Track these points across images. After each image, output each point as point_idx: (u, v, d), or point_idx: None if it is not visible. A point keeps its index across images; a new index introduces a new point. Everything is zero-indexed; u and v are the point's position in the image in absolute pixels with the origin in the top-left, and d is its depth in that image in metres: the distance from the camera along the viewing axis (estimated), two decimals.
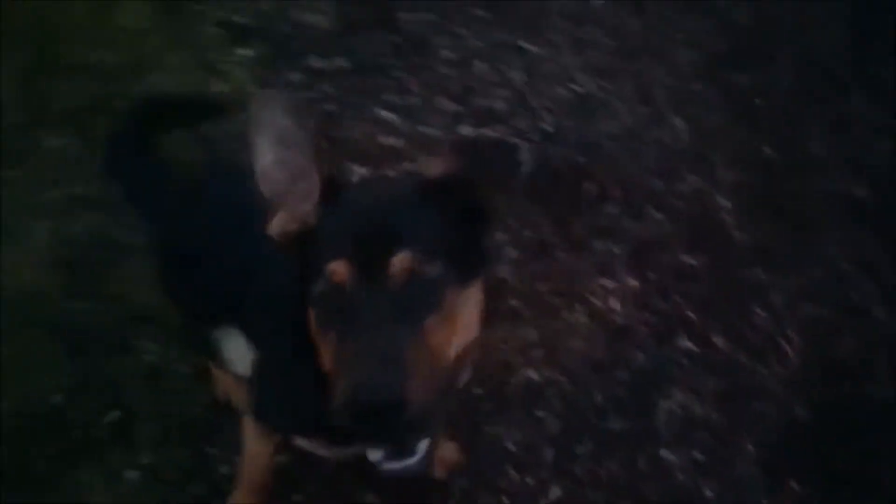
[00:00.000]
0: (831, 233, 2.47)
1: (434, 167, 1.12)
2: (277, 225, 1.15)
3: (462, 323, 1.10)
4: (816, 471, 2.05)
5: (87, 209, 2.46)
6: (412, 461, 1.08)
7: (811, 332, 2.30)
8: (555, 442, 2.10)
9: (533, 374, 2.21)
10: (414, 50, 2.85)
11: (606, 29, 2.89)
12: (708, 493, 2.02)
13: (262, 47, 2.90)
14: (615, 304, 2.35)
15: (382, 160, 2.60)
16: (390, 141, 2.66)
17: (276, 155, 1.11)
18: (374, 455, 1.08)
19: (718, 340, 2.29)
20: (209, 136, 2.54)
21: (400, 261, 1.04)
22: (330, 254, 1.06)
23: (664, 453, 2.09)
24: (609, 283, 2.39)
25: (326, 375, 1.09)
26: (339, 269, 1.04)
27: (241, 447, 1.73)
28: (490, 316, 1.19)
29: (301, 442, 1.46)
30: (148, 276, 2.28)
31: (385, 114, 2.73)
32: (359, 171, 2.52)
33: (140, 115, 1.86)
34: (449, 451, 2.03)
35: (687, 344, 2.28)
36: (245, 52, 2.88)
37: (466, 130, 2.67)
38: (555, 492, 2.02)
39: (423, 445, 1.08)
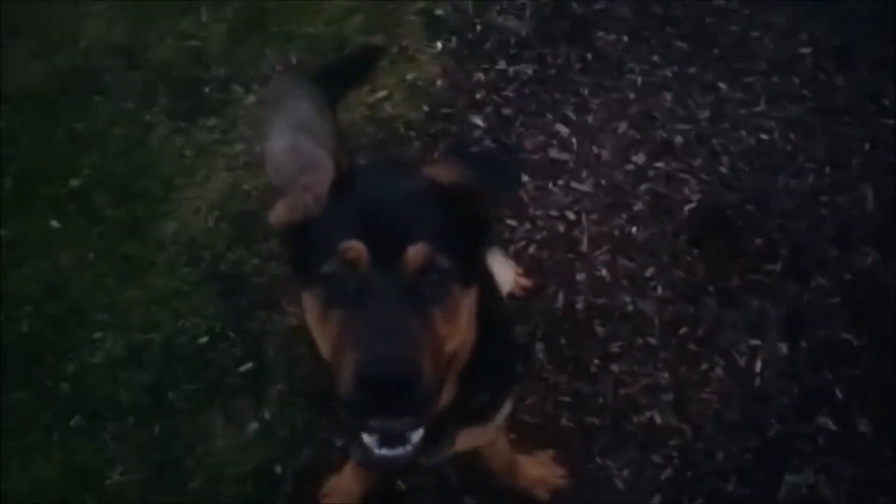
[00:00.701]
0: None
1: (444, 174, 1.15)
2: (278, 212, 1.17)
3: (461, 321, 1.12)
4: None
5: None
6: (405, 451, 1.07)
7: None
8: (665, 491, 2.06)
9: (657, 418, 2.18)
10: (603, 69, 2.85)
11: (808, 81, 2.75)
12: None
13: (455, 42, 3.01)
14: (759, 366, 2.27)
15: (545, 172, 2.63)
16: (560, 155, 2.68)
17: (289, 141, 1.12)
18: (368, 440, 1.07)
19: (864, 427, 2.16)
20: None
21: (416, 250, 1.05)
22: (344, 234, 1.07)
23: None
24: (756, 343, 2.31)
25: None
26: (354, 247, 1.05)
27: None
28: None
29: None
30: None
31: (560, 127, 2.75)
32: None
33: (327, 69, 2.01)
34: (555, 473, 2.05)
35: (828, 423, 2.17)
36: (439, 43, 2.99)
37: (639, 159, 2.65)
38: None
39: (416, 436, 1.08)
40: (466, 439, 1.44)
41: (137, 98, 2.88)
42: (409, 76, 2.86)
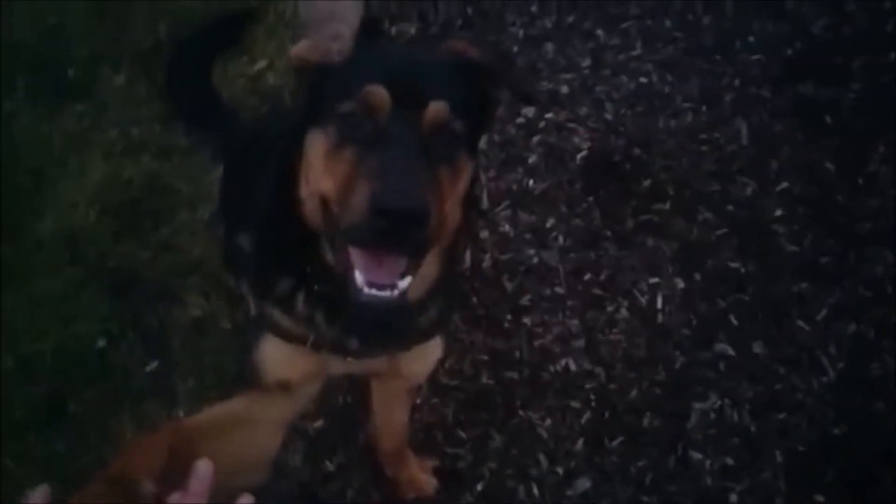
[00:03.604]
0: (880, 253, 2.46)
1: (468, 49, 1.22)
2: (300, 50, 1.21)
3: (459, 188, 1.18)
4: (843, 487, 2.07)
5: (144, 152, 2.50)
6: (391, 295, 1.10)
7: (850, 348, 2.32)
8: (587, 433, 2.15)
9: (572, 364, 2.26)
10: (485, 24, 2.84)
11: (679, 24, 2.85)
12: (733, 498, 2.07)
13: None
14: (659, 302, 2.38)
15: None
16: None
17: None
18: (359, 280, 1.10)
19: (758, 348, 2.31)
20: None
21: (437, 107, 1.10)
22: (367, 78, 1.11)
23: (694, 455, 2.14)
24: (655, 281, 2.42)
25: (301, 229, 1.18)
26: (377, 92, 1.10)
27: None
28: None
29: (276, 315, 1.40)
30: (197, 227, 2.36)
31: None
32: None
33: (196, 37, 1.94)
34: (430, 483, 2.06)
35: (727, 349, 2.31)
36: None
37: (528, 112, 2.67)
38: (583, 483, 2.08)
39: (403, 283, 1.11)
40: (409, 359, 1.48)
41: None
42: (291, 44, 2.74)
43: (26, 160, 2.47)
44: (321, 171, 1.14)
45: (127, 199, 2.41)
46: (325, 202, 1.14)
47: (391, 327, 1.17)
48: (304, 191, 1.19)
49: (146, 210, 2.39)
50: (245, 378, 1.44)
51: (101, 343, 2.17)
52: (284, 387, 1.44)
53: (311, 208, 1.19)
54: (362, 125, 1.10)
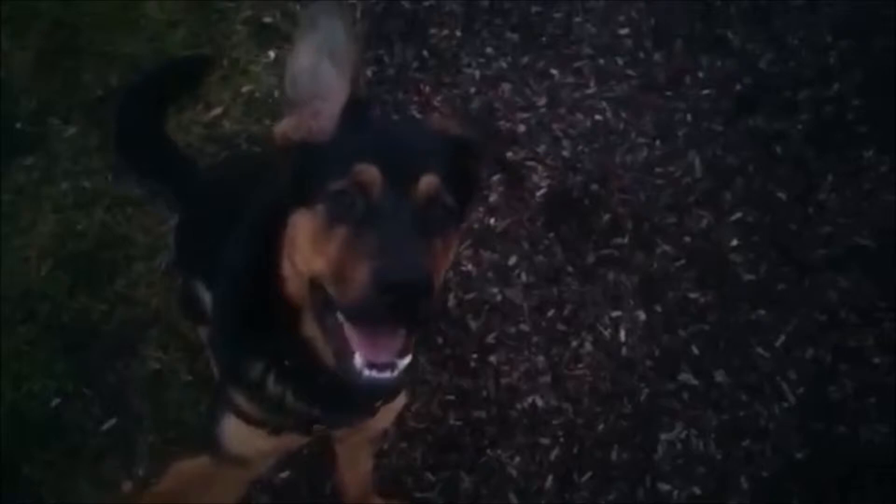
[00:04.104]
0: (834, 278, 2.52)
1: (451, 126, 1.24)
2: (284, 127, 1.20)
3: (449, 259, 1.20)
4: None
5: (97, 204, 2.47)
6: (390, 376, 1.09)
7: (809, 373, 2.36)
8: (556, 470, 2.15)
9: (539, 401, 2.26)
10: (441, 65, 2.88)
11: (632, 62, 2.92)
12: None
13: (289, 50, 2.91)
14: (622, 335, 2.40)
15: None
16: None
17: (313, 62, 1.16)
18: (358, 362, 1.09)
19: (720, 377, 2.35)
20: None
21: (428, 180, 1.11)
22: (358, 157, 1.10)
23: (662, 486, 2.16)
24: (617, 314, 2.44)
25: (277, 308, 1.17)
26: (368, 171, 1.09)
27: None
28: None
29: (242, 402, 1.40)
30: (154, 278, 2.33)
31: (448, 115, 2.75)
32: None
33: (147, 84, 1.95)
34: None
35: (690, 379, 2.34)
36: (272, 52, 2.89)
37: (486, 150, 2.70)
38: None
39: (403, 363, 1.10)
40: (381, 413, 1.45)
41: None
42: (245, 89, 2.75)
43: None
44: (311, 252, 1.12)
45: (80, 251, 2.37)
46: (314, 282, 1.13)
47: (365, 398, 1.16)
48: (288, 270, 1.18)
49: (101, 263, 2.35)
50: (206, 437, 1.41)
51: (56, 402, 2.11)
52: (242, 461, 1.44)
53: (295, 288, 1.18)
54: (355, 203, 1.09)
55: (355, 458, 1.84)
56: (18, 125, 2.61)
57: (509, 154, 2.68)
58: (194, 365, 2.18)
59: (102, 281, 2.32)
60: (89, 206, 2.45)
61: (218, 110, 2.68)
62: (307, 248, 1.13)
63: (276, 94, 2.73)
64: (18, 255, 2.35)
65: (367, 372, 1.08)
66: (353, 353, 1.08)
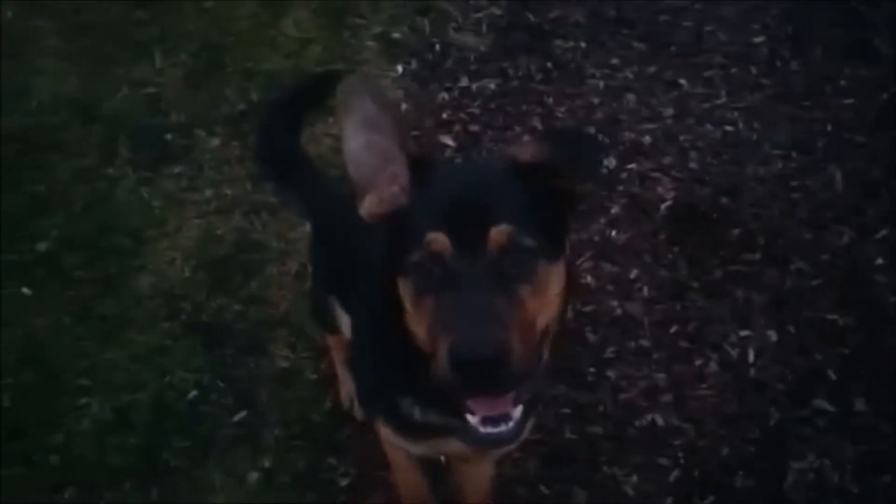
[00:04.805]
0: None
1: (523, 152, 1.19)
2: (367, 207, 1.21)
3: (551, 295, 1.15)
4: None
5: (235, 211, 2.62)
6: (507, 428, 1.10)
7: None
8: (676, 492, 2.07)
9: (659, 419, 2.19)
10: (565, 77, 2.86)
11: (766, 71, 2.80)
12: None
13: (415, 64, 3.00)
14: (751, 355, 2.29)
15: None
16: None
17: (364, 139, 1.18)
18: (472, 420, 1.11)
19: (859, 405, 2.18)
20: None
21: (498, 232, 1.09)
22: (427, 226, 1.11)
23: None
24: (746, 333, 2.33)
25: (413, 349, 1.16)
26: (437, 239, 1.09)
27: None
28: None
29: (387, 434, 1.52)
30: (287, 281, 2.45)
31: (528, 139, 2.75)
32: None
33: (286, 100, 2.02)
34: None
35: (825, 405, 2.19)
36: (399, 67, 2.98)
37: (610, 162, 2.66)
38: None
39: (517, 412, 1.10)
40: None
41: (97, 152, 2.80)
42: None
43: (128, 221, 2.61)
44: (414, 319, 1.16)
45: (219, 255, 2.52)
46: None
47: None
48: (411, 325, 1.20)
49: (237, 265, 2.48)
50: None
51: (193, 394, 2.24)
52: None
53: (419, 341, 1.19)
54: (433, 273, 1.11)
55: (476, 460, 1.84)
56: (168, 137, 2.82)
57: (633, 165, 2.63)
58: (319, 365, 2.26)
59: (238, 283, 2.45)
60: (229, 212, 2.60)
61: None
62: (412, 316, 1.16)
63: (403, 106, 2.81)
64: (165, 258, 2.53)
65: (482, 429, 1.11)
66: (467, 411, 1.12)
